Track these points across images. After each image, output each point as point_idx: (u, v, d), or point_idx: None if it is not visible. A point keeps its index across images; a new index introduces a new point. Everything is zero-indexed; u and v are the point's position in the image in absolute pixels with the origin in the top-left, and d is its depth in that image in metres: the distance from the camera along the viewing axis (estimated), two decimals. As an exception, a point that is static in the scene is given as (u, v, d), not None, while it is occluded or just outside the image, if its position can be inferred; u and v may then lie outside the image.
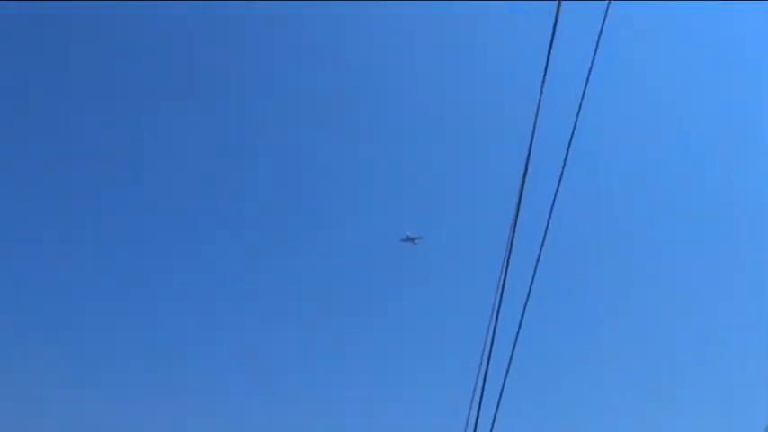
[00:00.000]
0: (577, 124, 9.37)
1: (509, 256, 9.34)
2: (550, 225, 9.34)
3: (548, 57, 9.92)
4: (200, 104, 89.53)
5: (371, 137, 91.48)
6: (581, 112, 9.35)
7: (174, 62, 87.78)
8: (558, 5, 10.00)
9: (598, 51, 9.74)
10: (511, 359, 8.62)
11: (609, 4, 9.74)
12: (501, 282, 9.28)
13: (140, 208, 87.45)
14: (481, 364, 9.02)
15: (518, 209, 9.50)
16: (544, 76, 9.81)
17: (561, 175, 9.20)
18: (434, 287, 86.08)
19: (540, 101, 9.72)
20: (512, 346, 8.94)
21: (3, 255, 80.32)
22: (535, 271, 8.88)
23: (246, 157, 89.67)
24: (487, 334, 9.21)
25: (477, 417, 8.87)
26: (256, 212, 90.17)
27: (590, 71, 9.55)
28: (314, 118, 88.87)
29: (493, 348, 9.15)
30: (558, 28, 10.03)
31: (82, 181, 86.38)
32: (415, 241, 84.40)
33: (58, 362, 75.38)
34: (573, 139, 9.24)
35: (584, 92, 9.43)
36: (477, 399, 8.98)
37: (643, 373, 73.74)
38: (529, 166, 9.60)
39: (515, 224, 9.48)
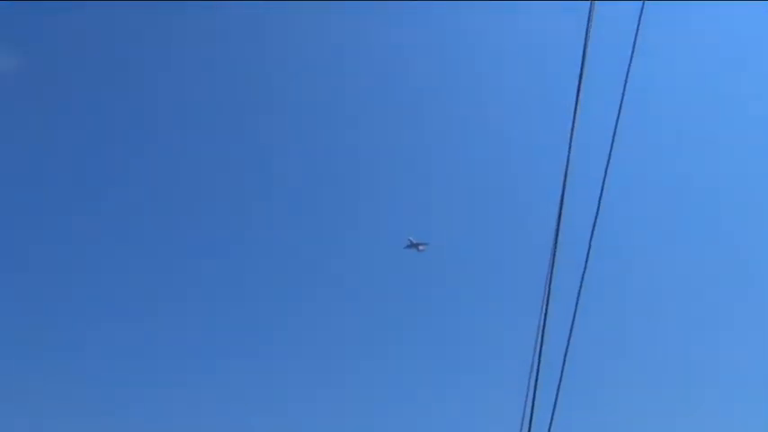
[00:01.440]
0: (617, 129, 9.33)
1: (552, 272, 9.29)
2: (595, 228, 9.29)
3: (582, 60, 9.88)
4: (201, 104, 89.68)
5: (376, 134, 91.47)
6: (620, 118, 9.31)
7: (178, 61, 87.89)
8: (592, 7, 9.97)
9: (633, 57, 9.71)
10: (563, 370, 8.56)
11: (643, 4, 9.72)
12: (546, 290, 9.23)
13: (140, 206, 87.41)
14: (530, 379, 8.96)
15: (560, 211, 9.45)
16: (580, 80, 9.76)
17: (603, 181, 9.15)
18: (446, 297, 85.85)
19: (576, 104, 9.68)
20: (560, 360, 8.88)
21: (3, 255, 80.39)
22: (582, 280, 8.83)
23: (248, 157, 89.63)
24: (536, 344, 9.15)
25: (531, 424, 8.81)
26: (254, 214, 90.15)
27: (627, 75, 9.52)
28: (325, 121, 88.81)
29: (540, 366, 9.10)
30: (591, 29, 9.99)
31: (80, 181, 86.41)
32: (420, 248, 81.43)
33: (57, 362, 75.40)
34: (613, 145, 9.20)
35: (623, 94, 9.39)
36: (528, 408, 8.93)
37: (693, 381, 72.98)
38: (568, 174, 9.55)
39: (558, 227, 9.43)
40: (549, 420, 8.84)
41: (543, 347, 9.40)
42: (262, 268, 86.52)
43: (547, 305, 8.97)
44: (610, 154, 9.15)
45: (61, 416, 69.06)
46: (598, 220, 9.85)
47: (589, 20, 9.98)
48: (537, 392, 8.99)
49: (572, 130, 9.72)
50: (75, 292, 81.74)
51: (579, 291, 8.74)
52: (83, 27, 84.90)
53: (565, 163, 9.59)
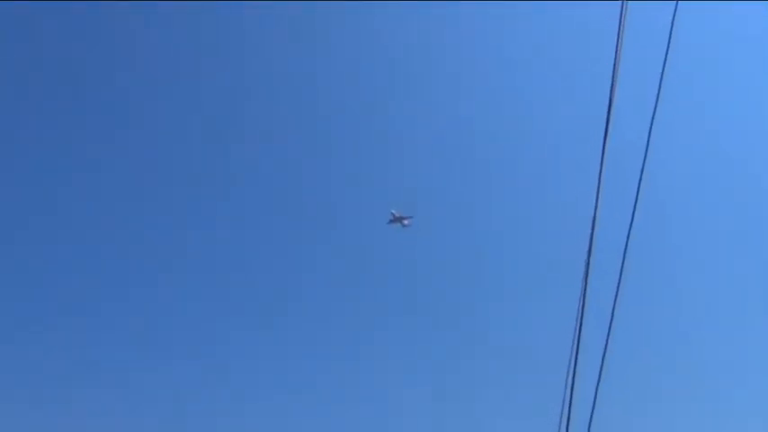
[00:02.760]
0: (653, 127, 9.42)
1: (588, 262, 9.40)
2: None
3: (615, 60, 9.94)
4: (187, 100, 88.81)
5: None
6: (656, 114, 9.40)
7: (168, 59, 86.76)
8: (624, 7, 10.00)
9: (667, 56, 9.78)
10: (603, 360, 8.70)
11: (677, 4, 9.77)
12: (585, 279, 9.34)
13: (129, 204, 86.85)
14: (569, 371, 9.09)
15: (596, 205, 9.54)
16: (613, 80, 9.82)
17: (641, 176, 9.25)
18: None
19: (610, 104, 9.75)
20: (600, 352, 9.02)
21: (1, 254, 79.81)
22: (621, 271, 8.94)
23: (230, 140, 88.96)
24: (575, 332, 9.28)
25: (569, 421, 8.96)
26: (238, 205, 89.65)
27: (662, 73, 9.59)
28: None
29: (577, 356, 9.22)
30: (623, 30, 10.03)
31: (75, 178, 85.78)
32: (405, 222, 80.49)
33: (54, 361, 75.16)
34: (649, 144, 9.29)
35: (657, 94, 9.47)
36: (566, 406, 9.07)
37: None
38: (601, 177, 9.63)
39: (594, 219, 9.53)
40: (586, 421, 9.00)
41: (573, 346, 9.54)
42: (249, 258, 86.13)
43: (583, 306, 9.10)
44: (645, 153, 9.25)
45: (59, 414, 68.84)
46: (629, 216, 9.96)
47: (621, 19, 10.02)
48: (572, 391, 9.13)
49: (607, 123, 9.79)
50: (75, 290, 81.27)
51: (617, 290, 8.87)
52: (76, 26, 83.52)
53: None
